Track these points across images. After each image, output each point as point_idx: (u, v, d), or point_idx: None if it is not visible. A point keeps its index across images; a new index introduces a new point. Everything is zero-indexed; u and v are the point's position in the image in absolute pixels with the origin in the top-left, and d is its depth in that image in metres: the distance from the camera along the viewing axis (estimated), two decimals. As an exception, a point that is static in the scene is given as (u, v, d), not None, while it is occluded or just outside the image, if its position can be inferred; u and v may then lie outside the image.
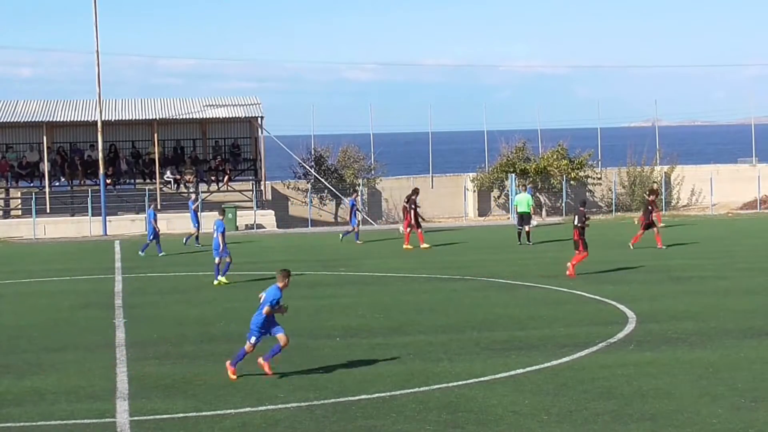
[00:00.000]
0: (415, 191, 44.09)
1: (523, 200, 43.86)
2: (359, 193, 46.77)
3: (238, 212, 53.64)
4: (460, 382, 17.80)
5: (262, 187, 57.45)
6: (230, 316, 25.78)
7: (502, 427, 15.17)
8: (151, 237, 41.41)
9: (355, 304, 27.39)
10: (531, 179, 60.16)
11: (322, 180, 58.38)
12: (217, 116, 58.25)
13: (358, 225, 46.24)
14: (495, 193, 61.91)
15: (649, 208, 40.34)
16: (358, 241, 44.56)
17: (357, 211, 46.37)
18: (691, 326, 22.70)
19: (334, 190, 57.97)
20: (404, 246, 41.79)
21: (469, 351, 20.59)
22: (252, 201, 55.68)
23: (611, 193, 61.13)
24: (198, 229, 45.09)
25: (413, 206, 42.53)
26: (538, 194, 57.75)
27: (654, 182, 60.58)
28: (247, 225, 53.62)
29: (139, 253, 40.95)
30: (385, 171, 63.56)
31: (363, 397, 16.99)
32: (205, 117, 58.63)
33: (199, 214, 46.72)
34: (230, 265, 32.26)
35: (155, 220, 41.68)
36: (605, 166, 63.92)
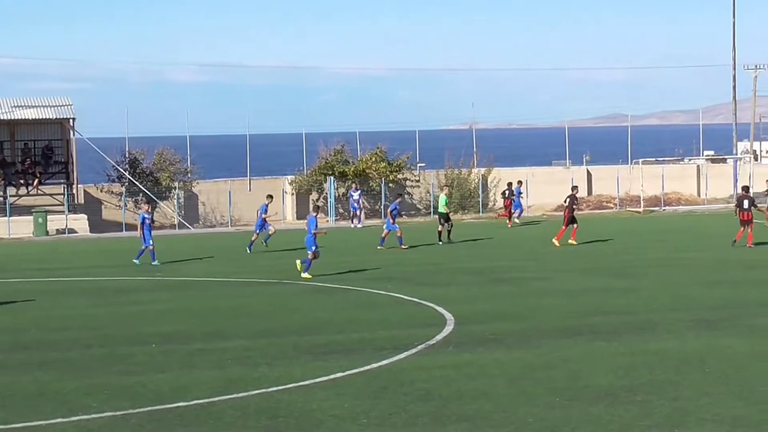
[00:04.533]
0: (575, 188, 45.45)
1: (440, 201, 44.83)
2: (403, 197, 45.13)
3: (48, 217, 52.36)
4: (280, 387, 17.56)
5: (74, 191, 56.02)
6: (42, 323, 24.90)
7: (322, 431, 15.01)
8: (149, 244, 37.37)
9: (172, 309, 26.86)
10: (351, 181, 60.46)
11: (137, 183, 57.34)
12: (27, 117, 56.51)
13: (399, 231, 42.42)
14: (314, 195, 61.93)
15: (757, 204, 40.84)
16: (403, 246, 41.62)
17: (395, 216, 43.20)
18: (509, 327, 22.99)
19: (149, 193, 56.95)
20: (553, 240, 41.48)
21: (288, 355, 20.38)
22: (63, 205, 54.25)
23: (429, 195, 61.83)
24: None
25: (574, 203, 42.92)
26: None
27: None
28: (58, 230, 52.27)
29: (153, 263, 37.32)
30: (201, 174, 62.98)
31: (180, 404, 16.58)
32: (13, 118, 56.78)
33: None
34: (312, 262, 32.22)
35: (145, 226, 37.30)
36: (424, 169, 64.64)
